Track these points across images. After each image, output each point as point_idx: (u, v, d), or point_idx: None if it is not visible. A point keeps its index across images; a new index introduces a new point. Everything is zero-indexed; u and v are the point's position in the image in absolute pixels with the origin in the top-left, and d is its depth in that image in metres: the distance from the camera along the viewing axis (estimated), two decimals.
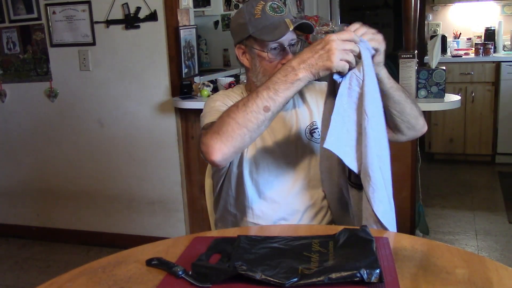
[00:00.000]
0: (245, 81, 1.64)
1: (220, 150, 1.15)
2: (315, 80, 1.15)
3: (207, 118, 1.36)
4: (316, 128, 1.51)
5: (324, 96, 1.30)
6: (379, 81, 1.21)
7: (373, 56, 1.17)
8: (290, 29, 1.35)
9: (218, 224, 1.64)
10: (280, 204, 1.48)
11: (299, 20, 1.38)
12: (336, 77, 1.15)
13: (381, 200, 1.18)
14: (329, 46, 1.09)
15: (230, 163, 1.46)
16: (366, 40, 1.15)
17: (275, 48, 1.40)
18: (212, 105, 1.45)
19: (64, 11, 3.07)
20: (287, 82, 1.12)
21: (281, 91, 1.12)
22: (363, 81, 1.14)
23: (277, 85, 1.12)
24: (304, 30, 1.43)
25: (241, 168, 1.48)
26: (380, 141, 1.17)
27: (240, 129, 1.14)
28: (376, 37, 1.18)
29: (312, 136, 1.51)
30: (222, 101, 1.45)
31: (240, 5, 4.30)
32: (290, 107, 1.52)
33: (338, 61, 1.09)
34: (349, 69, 1.13)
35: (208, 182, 1.75)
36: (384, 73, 1.24)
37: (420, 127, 1.38)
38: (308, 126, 1.52)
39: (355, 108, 1.17)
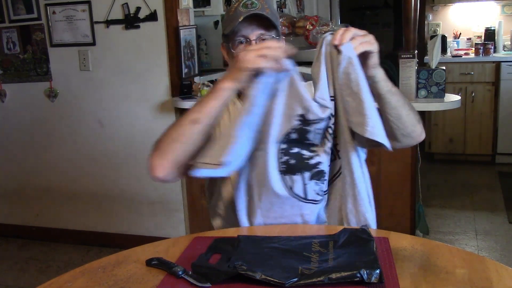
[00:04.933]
0: None
1: (160, 165, 1.22)
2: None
3: None
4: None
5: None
6: (375, 84, 1.19)
7: (366, 59, 1.15)
8: (239, 20, 1.35)
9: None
10: None
11: (252, 11, 1.36)
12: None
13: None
14: (239, 55, 1.16)
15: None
16: (354, 44, 1.13)
17: (241, 42, 1.40)
18: None
19: (64, 11, 3.07)
20: (213, 93, 1.19)
21: (207, 102, 1.19)
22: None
23: (205, 98, 1.21)
24: (271, 24, 1.38)
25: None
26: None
27: (174, 143, 1.21)
28: (366, 39, 1.15)
29: None
30: None
31: None
32: None
33: (249, 60, 1.12)
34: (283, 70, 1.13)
35: None
36: (380, 75, 1.20)
37: (417, 135, 1.30)
38: None
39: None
